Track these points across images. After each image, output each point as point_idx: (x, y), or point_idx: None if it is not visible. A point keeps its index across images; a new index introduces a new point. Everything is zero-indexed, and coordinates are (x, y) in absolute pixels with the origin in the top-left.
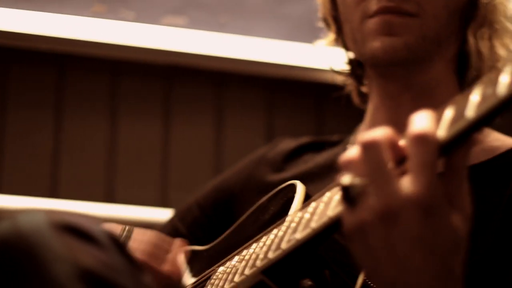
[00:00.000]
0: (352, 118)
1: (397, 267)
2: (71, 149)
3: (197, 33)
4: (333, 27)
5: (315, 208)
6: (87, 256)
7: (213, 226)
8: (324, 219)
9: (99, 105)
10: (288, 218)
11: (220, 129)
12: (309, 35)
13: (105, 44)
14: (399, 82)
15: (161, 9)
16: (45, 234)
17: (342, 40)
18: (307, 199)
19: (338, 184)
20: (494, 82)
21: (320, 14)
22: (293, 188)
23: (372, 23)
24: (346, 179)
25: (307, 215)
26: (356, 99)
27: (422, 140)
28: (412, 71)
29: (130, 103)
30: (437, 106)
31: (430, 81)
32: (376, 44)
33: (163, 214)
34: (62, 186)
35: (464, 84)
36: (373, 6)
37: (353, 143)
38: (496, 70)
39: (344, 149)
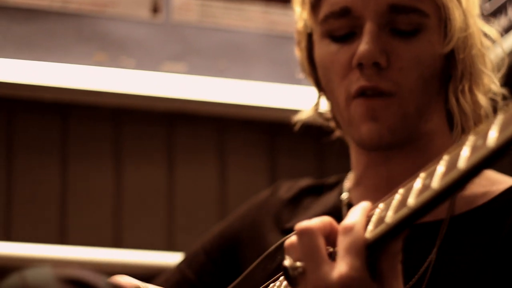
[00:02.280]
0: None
1: None
2: (77, 196)
3: (197, 79)
4: (315, 87)
5: None
6: None
7: (220, 272)
8: None
9: (103, 152)
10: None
11: (223, 173)
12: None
13: (107, 92)
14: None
15: (160, 56)
16: (51, 287)
17: (326, 98)
18: None
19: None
20: (433, 172)
21: (300, 67)
22: None
23: (358, 107)
24: (286, 261)
25: None
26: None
27: (347, 230)
28: (397, 145)
29: (134, 149)
30: (429, 157)
31: (420, 138)
32: (363, 130)
33: (170, 258)
34: (70, 232)
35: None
36: (354, 85)
37: (348, 190)
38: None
39: (340, 194)
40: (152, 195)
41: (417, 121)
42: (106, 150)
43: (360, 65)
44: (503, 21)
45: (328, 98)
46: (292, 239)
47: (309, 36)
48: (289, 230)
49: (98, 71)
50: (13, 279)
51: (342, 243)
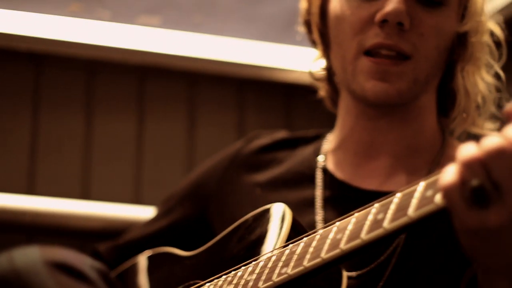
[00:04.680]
0: (320, 116)
1: None
2: (47, 146)
3: (170, 33)
4: (318, 42)
5: (307, 246)
6: None
7: (192, 224)
8: (317, 260)
9: (75, 102)
10: (276, 251)
11: (192, 127)
12: (281, 36)
13: (81, 44)
14: (379, 109)
15: (136, 8)
16: (39, 272)
17: (327, 56)
18: (294, 226)
19: (469, 187)
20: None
21: (301, 19)
22: (280, 212)
23: (368, 65)
24: (476, 181)
25: (298, 252)
26: (329, 104)
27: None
28: (399, 106)
29: (105, 101)
30: (414, 130)
31: (410, 110)
32: (368, 86)
33: (137, 212)
34: (38, 182)
35: (444, 112)
36: (371, 40)
37: (325, 153)
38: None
39: (316, 153)
40: (121, 147)
41: (423, 89)
42: (78, 101)
43: (383, 22)
44: None
45: (334, 53)
46: (475, 154)
47: None
48: (262, 183)
49: (72, 22)
50: (1, 261)
51: None
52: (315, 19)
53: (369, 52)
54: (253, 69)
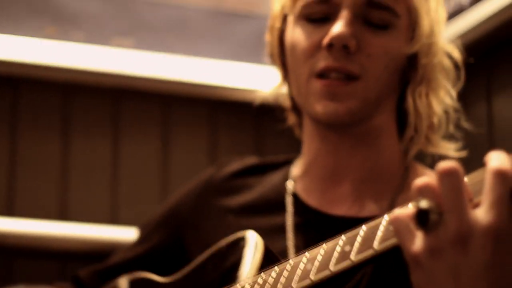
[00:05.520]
0: (290, 137)
1: None
2: (25, 168)
3: (143, 55)
4: (280, 71)
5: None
6: None
7: (169, 250)
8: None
9: (52, 124)
10: (249, 280)
11: (166, 147)
12: (251, 56)
13: (56, 67)
14: (338, 132)
15: (109, 30)
16: None
17: (288, 83)
18: (266, 254)
19: (415, 208)
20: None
21: (267, 51)
22: (252, 240)
23: (318, 87)
24: (423, 203)
25: (270, 281)
26: (297, 131)
27: (503, 176)
28: (351, 126)
29: (81, 122)
30: (375, 153)
31: (369, 131)
32: (319, 107)
33: (114, 232)
34: (17, 204)
35: (403, 132)
36: (320, 63)
37: (294, 178)
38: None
39: (285, 179)
40: (98, 168)
41: (374, 109)
42: (55, 123)
43: (330, 46)
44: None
45: (291, 78)
46: (428, 180)
47: (283, 19)
48: (234, 209)
49: (48, 45)
50: None
51: (495, 190)
52: (275, 50)
53: (320, 75)
54: (224, 91)
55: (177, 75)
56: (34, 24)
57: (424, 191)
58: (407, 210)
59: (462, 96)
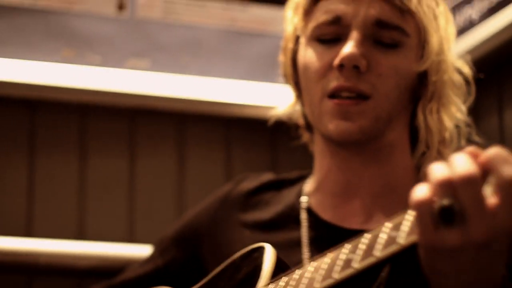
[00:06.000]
0: (304, 153)
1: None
2: (43, 188)
3: (159, 75)
4: (294, 91)
5: (286, 285)
6: None
7: (186, 265)
8: None
9: (69, 145)
10: None
11: (182, 164)
12: (265, 74)
13: (73, 89)
14: (350, 150)
15: (125, 52)
16: None
17: (301, 102)
18: (278, 265)
19: (440, 204)
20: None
21: (281, 72)
22: (265, 251)
23: (331, 106)
24: (446, 201)
25: None
26: (311, 147)
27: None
28: (363, 144)
29: (98, 143)
30: (387, 169)
31: (380, 148)
32: (331, 127)
33: (131, 250)
34: (36, 224)
35: (416, 149)
36: (332, 83)
37: (307, 194)
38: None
39: (299, 195)
40: (115, 186)
41: (385, 127)
42: (72, 143)
43: (341, 66)
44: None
45: (304, 98)
46: (448, 177)
47: (296, 40)
48: (250, 225)
49: (64, 68)
50: None
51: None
52: (288, 71)
53: (332, 95)
54: (239, 108)
55: (192, 94)
56: (51, 47)
57: (446, 189)
58: (426, 196)
59: (473, 111)
